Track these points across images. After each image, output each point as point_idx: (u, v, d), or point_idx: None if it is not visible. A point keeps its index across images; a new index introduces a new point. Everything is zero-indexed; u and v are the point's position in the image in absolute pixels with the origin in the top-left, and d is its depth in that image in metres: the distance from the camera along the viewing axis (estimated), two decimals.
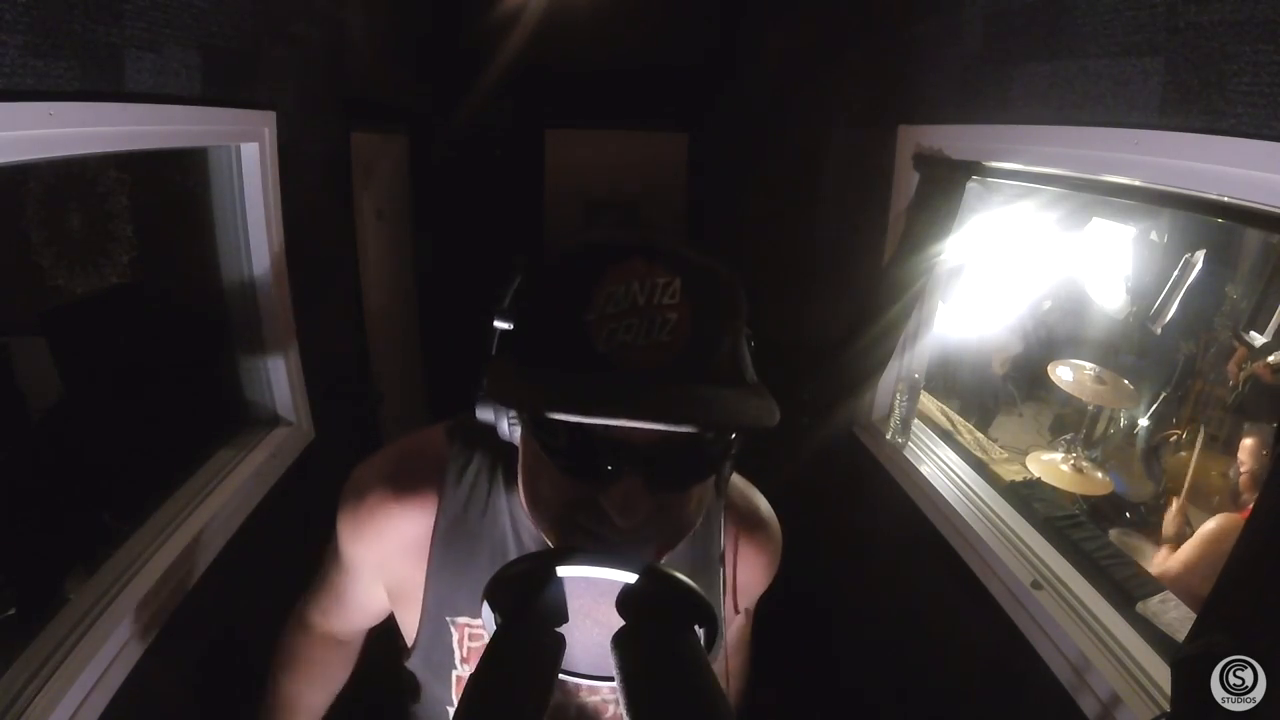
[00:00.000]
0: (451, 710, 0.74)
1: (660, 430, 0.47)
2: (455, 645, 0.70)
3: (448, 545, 0.67)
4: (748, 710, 0.93)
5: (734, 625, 0.80)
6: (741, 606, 0.78)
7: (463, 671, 0.71)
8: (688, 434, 0.49)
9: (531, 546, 0.66)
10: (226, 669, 1.53)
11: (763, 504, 0.79)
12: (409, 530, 0.68)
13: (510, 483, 0.68)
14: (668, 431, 0.48)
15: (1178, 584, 1.81)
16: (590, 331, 0.47)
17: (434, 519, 0.67)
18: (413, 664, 0.74)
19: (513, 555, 0.66)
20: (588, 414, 0.46)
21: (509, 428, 0.58)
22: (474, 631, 0.69)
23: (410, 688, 0.79)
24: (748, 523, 0.76)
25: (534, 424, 0.54)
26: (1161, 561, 1.92)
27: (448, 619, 0.69)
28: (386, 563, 0.70)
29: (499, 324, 0.55)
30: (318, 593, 0.81)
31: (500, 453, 0.68)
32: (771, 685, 0.92)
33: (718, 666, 0.79)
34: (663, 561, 0.55)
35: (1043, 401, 3.23)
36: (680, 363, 0.47)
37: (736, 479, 0.77)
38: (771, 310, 2.73)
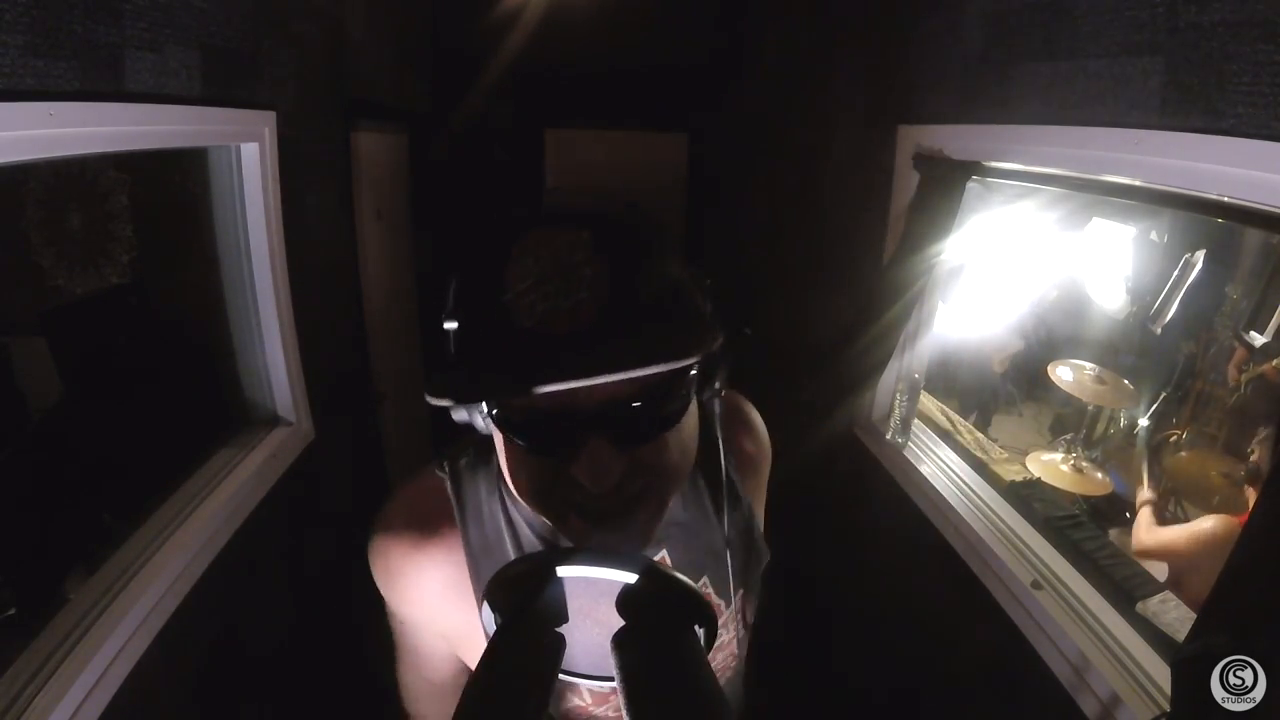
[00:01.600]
0: None
1: (600, 385, 0.46)
2: None
3: (485, 577, 0.67)
4: None
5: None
6: (749, 492, 0.78)
7: None
8: (636, 383, 0.48)
9: (556, 544, 0.65)
10: (226, 669, 1.53)
11: (741, 403, 0.80)
12: (443, 573, 0.66)
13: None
14: (609, 385, 0.46)
15: (1153, 558, 1.81)
16: (511, 311, 0.47)
17: (463, 557, 0.66)
18: None
19: None
20: (515, 389, 0.45)
21: (483, 422, 0.58)
22: None
23: None
24: (734, 424, 0.77)
25: (493, 413, 0.54)
26: (1144, 528, 1.91)
27: None
28: (436, 610, 0.68)
29: (447, 325, 0.54)
30: (401, 657, 0.78)
31: (494, 464, 0.67)
32: (769, 685, 0.92)
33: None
34: (667, 510, 0.55)
35: (1043, 401, 3.23)
36: (608, 314, 0.47)
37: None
38: (772, 310, 2.73)
